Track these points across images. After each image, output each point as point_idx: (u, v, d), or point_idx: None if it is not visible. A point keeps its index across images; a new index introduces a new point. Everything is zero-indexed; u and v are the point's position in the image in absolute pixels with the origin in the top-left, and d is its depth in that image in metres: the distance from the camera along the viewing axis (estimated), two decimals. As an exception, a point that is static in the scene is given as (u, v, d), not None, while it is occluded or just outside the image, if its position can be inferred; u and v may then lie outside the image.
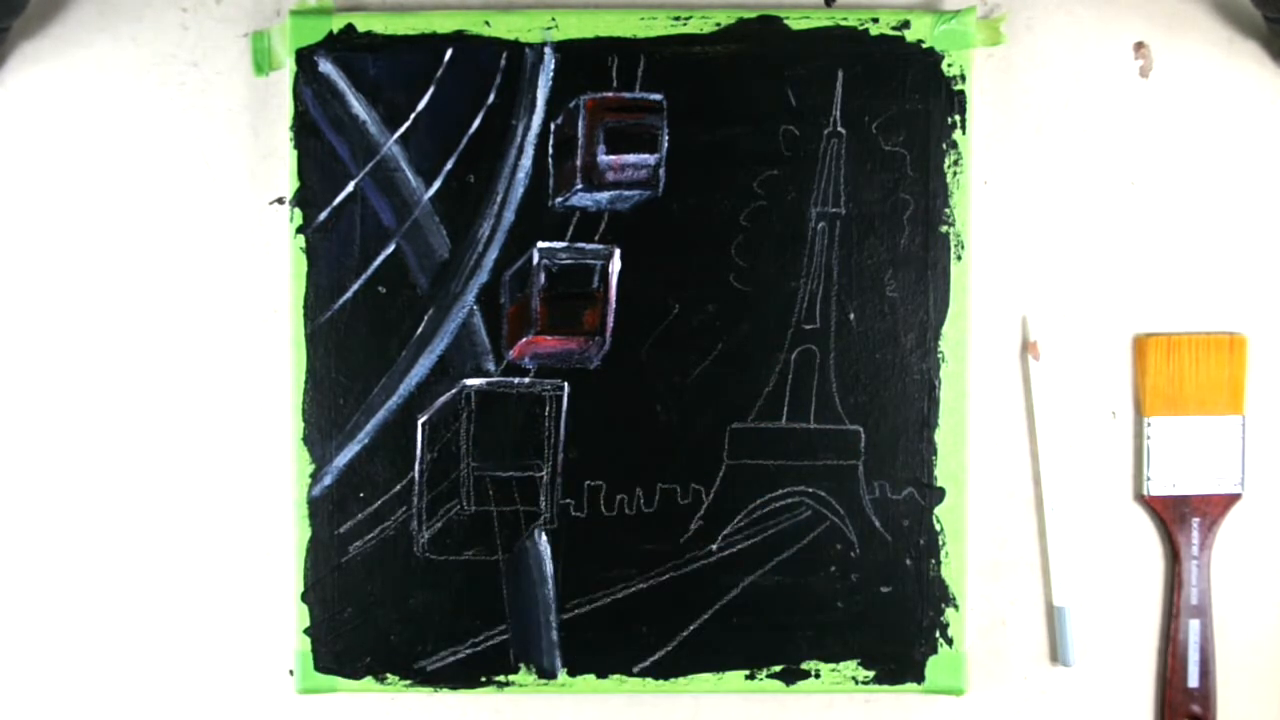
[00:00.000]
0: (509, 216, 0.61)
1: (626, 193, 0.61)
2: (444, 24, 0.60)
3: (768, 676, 0.61)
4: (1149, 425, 0.63)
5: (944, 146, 0.61)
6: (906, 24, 0.61)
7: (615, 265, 0.61)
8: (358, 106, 0.61)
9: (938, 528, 0.61)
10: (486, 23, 0.61)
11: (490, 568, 0.61)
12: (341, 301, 0.61)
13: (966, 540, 0.61)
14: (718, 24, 0.61)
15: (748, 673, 0.61)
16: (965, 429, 0.61)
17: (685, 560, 0.61)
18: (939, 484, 0.61)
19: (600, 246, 0.61)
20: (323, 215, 0.61)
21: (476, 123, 0.61)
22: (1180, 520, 0.63)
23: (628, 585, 0.61)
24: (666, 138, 0.61)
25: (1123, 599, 0.64)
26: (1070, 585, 0.63)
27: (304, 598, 0.61)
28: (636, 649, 0.61)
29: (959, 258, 0.61)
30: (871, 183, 0.61)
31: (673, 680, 0.61)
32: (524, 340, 0.61)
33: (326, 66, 0.60)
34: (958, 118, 0.61)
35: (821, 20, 0.61)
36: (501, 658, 0.61)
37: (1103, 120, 0.63)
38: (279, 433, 0.62)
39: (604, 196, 0.61)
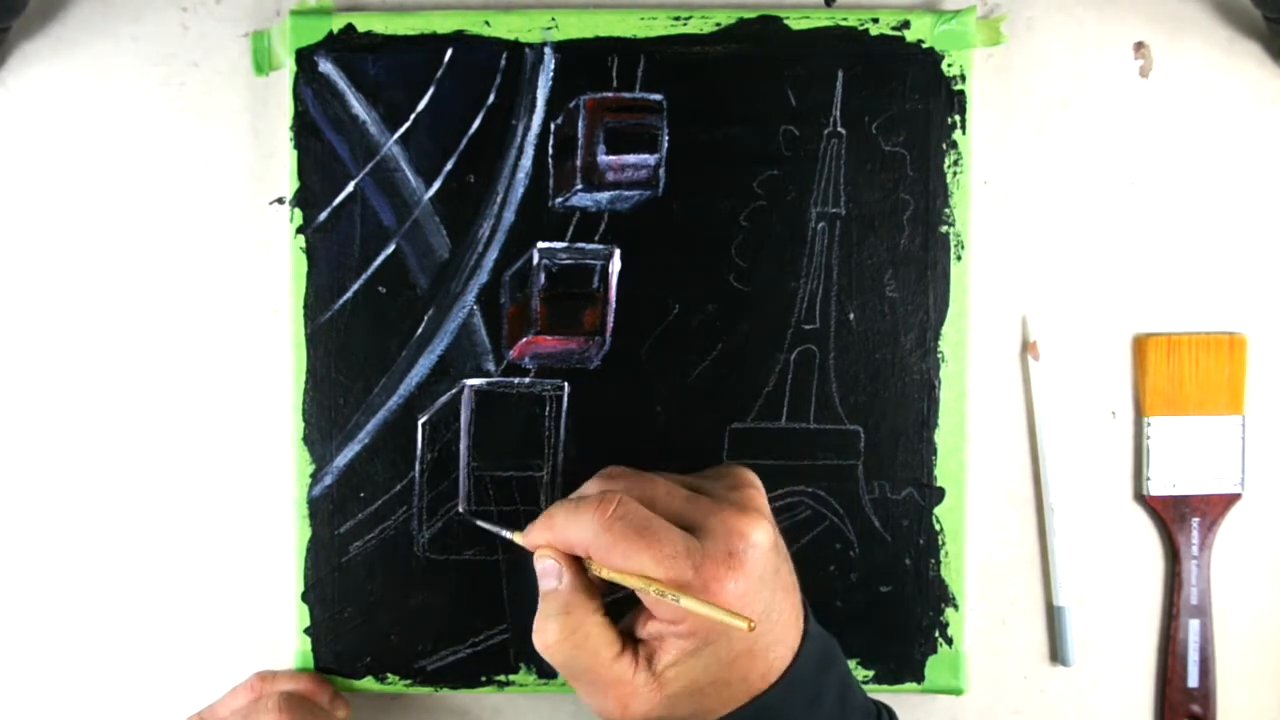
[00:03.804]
0: (509, 216, 0.61)
1: (626, 193, 0.61)
2: (444, 24, 0.60)
3: (768, 676, 0.61)
4: (1149, 425, 0.63)
5: (944, 146, 0.61)
6: (906, 24, 0.61)
7: (615, 265, 0.61)
8: (358, 106, 0.61)
9: (937, 528, 0.61)
10: (486, 23, 0.61)
11: (490, 568, 0.61)
12: (341, 301, 0.61)
13: (966, 540, 0.61)
14: (718, 24, 0.61)
15: (748, 673, 0.61)
16: (965, 429, 0.61)
17: (685, 560, 0.61)
18: (939, 484, 0.61)
19: (600, 246, 0.61)
20: (323, 215, 0.61)
21: (476, 123, 0.61)
22: (1180, 520, 0.63)
23: (628, 585, 0.61)
24: (666, 138, 0.61)
25: (1123, 599, 0.64)
26: (1070, 585, 0.63)
27: (304, 598, 0.61)
28: (636, 649, 0.61)
29: (959, 258, 0.61)
30: (871, 183, 0.61)
31: (673, 680, 0.61)
32: (524, 340, 0.61)
33: (326, 66, 0.60)
34: (958, 118, 0.61)
35: (821, 20, 0.61)
36: (501, 658, 0.61)
37: (1103, 120, 0.63)
38: (279, 433, 0.62)
39: (604, 196, 0.61)
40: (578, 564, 0.52)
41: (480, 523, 0.59)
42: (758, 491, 0.52)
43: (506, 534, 0.56)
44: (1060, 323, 0.63)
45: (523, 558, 0.62)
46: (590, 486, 0.53)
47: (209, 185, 0.62)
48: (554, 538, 0.51)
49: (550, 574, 0.52)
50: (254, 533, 0.63)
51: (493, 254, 0.61)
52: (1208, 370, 0.62)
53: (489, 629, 0.61)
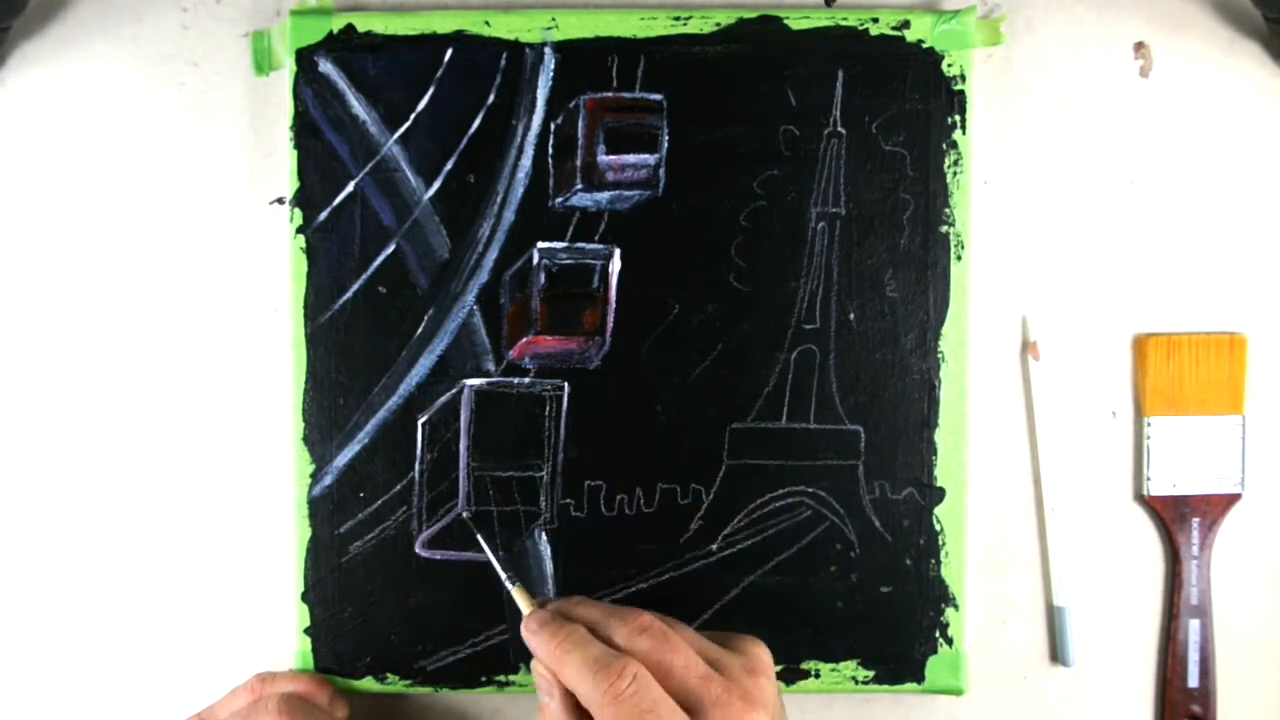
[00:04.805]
0: (509, 216, 0.61)
1: (626, 193, 0.61)
2: (444, 24, 0.60)
3: (768, 676, 0.61)
4: (1149, 425, 0.63)
5: (944, 146, 0.61)
6: (906, 24, 0.61)
7: (615, 265, 0.61)
8: (358, 106, 0.61)
9: (938, 528, 0.61)
10: (486, 23, 0.61)
11: (490, 568, 0.61)
12: (341, 301, 0.61)
13: (966, 540, 0.61)
14: (718, 24, 0.61)
15: (748, 673, 0.61)
16: (965, 429, 0.61)
17: (685, 560, 0.61)
18: (939, 484, 0.61)
19: (600, 246, 0.61)
20: (323, 215, 0.61)
21: (476, 123, 0.61)
22: (1180, 520, 0.63)
23: (628, 585, 0.61)
24: (666, 138, 0.61)
25: (1123, 599, 0.64)
26: (1070, 585, 0.63)
27: (304, 598, 0.61)
28: (636, 649, 0.61)
29: (959, 258, 0.61)
30: (871, 183, 0.61)
31: (673, 680, 0.61)
32: (524, 340, 0.61)
33: (326, 66, 0.60)
34: (958, 118, 0.61)
35: (821, 20, 0.61)
36: (501, 658, 0.61)
37: (1103, 120, 0.63)
38: (279, 433, 0.62)
39: (604, 196, 0.61)
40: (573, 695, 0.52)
41: (481, 539, 0.59)
42: (769, 681, 0.52)
43: (505, 579, 0.56)
44: (1060, 323, 0.63)
45: (522, 558, 0.62)
46: (618, 630, 0.52)
47: (209, 185, 0.62)
48: (561, 672, 0.51)
49: (544, 690, 0.52)
50: (254, 533, 0.63)
51: (493, 254, 0.61)
52: (1208, 370, 0.62)
53: (489, 629, 0.61)
